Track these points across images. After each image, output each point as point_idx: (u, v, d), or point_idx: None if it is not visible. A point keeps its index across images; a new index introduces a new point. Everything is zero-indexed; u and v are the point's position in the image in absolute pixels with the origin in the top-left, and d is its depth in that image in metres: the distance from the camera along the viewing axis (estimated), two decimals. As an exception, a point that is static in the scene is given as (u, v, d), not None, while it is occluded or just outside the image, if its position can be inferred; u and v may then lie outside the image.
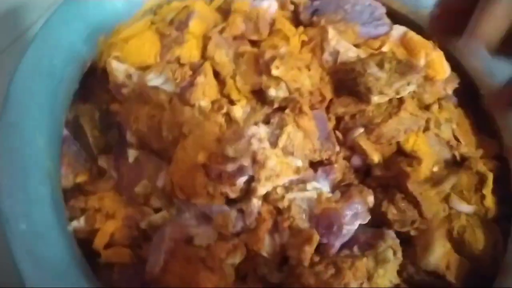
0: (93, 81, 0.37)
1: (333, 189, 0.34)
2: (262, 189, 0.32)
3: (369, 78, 0.34)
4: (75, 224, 0.31)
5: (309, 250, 0.29)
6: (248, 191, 0.32)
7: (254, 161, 0.31)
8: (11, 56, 0.48)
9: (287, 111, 0.33)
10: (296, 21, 0.41)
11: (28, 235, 0.26)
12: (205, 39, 0.39)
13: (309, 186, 0.33)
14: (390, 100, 0.35)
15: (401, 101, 0.35)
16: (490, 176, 0.33)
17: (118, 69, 0.37)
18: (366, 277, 0.29)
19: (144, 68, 0.38)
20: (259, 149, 0.31)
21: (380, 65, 0.34)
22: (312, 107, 0.35)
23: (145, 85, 0.34)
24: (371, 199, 0.33)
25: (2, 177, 0.27)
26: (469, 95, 0.40)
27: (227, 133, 0.33)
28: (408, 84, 0.34)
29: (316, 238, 0.30)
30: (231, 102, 0.36)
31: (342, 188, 0.34)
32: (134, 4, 0.38)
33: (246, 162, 0.31)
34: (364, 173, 0.36)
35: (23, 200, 0.27)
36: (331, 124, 0.35)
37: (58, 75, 0.33)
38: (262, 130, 0.33)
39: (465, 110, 0.39)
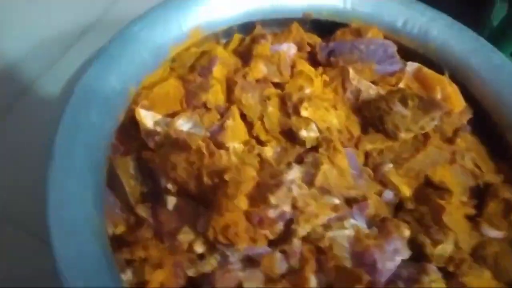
0: (124, 133, 0.38)
1: (368, 225, 0.35)
2: (302, 231, 0.33)
3: (395, 116, 0.35)
4: (123, 277, 0.31)
5: (359, 289, 0.30)
6: (287, 233, 0.33)
7: (294, 206, 0.32)
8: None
9: (321, 150, 0.35)
10: (313, 61, 0.43)
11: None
12: (229, 83, 0.40)
13: (346, 223, 0.34)
14: (415, 136, 0.37)
15: (426, 136, 0.36)
16: (519, 203, 0.35)
17: (146, 116, 0.38)
18: (415, 311, 0.30)
19: (171, 115, 0.39)
20: (299, 195, 0.32)
21: (404, 103, 0.36)
22: (341, 145, 0.36)
23: (181, 131, 0.35)
24: (407, 232, 0.34)
25: (55, 239, 0.27)
26: (480, 122, 0.42)
27: (264, 177, 0.34)
28: (432, 119, 0.36)
29: (366, 277, 0.30)
30: (261, 143, 0.38)
31: (377, 223, 0.35)
32: (160, 54, 0.40)
33: (287, 208, 0.32)
34: (395, 206, 0.37)
35: (78, 259, 0.27)
36: (360, 161, 0.37)
37: (97, 127, 0.33)
38: (297, 170, 0.34)
39: (480, 138, 0.41)
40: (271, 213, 0.31)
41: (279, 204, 0.31)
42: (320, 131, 0.36)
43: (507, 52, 0.48)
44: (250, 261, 0.32)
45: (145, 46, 0.38)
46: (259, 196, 0.32)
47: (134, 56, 0.37)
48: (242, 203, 0.31)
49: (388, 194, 0.36)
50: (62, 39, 0.63)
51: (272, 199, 0.31)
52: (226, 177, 0.32)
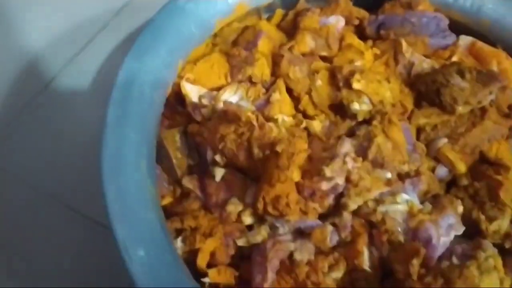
0: (171, 106, 0.38)
1: (421, 201, 0.34)
2: (353, 205, 0.32)
3: (453, 88, 0.34)
4: (175, 245, 0.31)
5: (417, 263, 0.29)
6: (337, 206, 0.33)
7: (348, 180, 0.32)
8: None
9: (375, 122, 0.34)
10: (361, 35, 0.42)
11: (147, 261, 0.26)
12: (275, 57, 0.39)
13: (398, 198, 0.33)
14: (472, 110, 0.35)
15: (483, 110, 0.35)
16: None
17: (192, 90, 0.38)
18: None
19: (216, 89, 0.38)
20: (354, 168, 0.31)
21: (462, 75, 0.35)
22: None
23: (230, 103, 0.35)
24: (460, 209, 0.33)
25: (114, 206, 0.27)
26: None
27: (315, 151, 0.33)
28: (490, 93, 0.35)
29: (423, 251, 0.29)
30: (308, 118, 0.37)
31: (430, 200, 0.34)
32: (207, 29, 0.39)
33: (341, 181, 0.31)
34: (447, 183, 0.36)
35: (136, 227, 0.27)
36: (413, 135, 0.36)
37: (148, 99, 0.33)
38: (348, 144, 0.33)
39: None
40: (324, 186, 0.31)
41: (334, 177, 0.31)
42: (373, 104, 0.35)
43: None
44: (301, 233, 0.32)
45: (192, 19, 0.38)
46: (313, 168, 0.31)
47: (182, 29, 0.37)
48: (295, 174, 0.31)
49: (442, 170, 0.35)
50: (91, 24, 0.63)
51: (327, 171, 0.30)
52: (278, 148, 0.31)
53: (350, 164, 0.31)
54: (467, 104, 0.34)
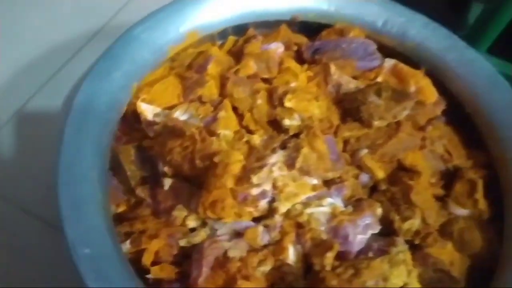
0: (126, 124, 0.42)
1: (345, 204, 0.39)
2: (282, 208, 0.37)
3: (370, 105, 0.39)
4: (123, 247, 0.35)
5: (330, 256, 0.33)
6: (270, 210, 0.37)
7: (275, 186, 0.36)
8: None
9: (302, 135, 0.38)
10: (300, 59, 0.47)
11: (92, 258, 0.30)
12: (222, 79, 0.44)
13: (324, 202, 0.38)
14: (389, 124, 0.40)
15: (398, 124, 0.40)
16: (480, 183, 0.38)
17: (147, 109, 0.43)
18: (382, 278, 0.33)
19: (170, 108, 0.43)
20: (279, 176, 0.36)
21: (378, 94, 0.40)
22: (322, 133, 0.40)
23: (178, 120, 0.39)
24: (379, 211, 0.38)
25: (65, 210, 0.32)
26: (457, 114, 0.45)
27: (250, 161, 0.38)
28: (404, 109, 0.40)
29: (337, 246, 0.34)
30: (250, 132, 0.42)
31: (353, 203, 0.39)
32: (160, 55, 0.44)
33: (268, 187, 0.36)
34: (371, 188, 0.41)
35: (84, 229, 0.31)
36: (339, 147, 0.41)
37: (103, 119, 0.38)
38: (280, 155, 0.38)
39: (454, 128, 0.45)
40: (254, 191, 0.35)
41: (261, 184, 0.35)
42: (302, 120, 0.40)
43: (483, 48, 0.51)
44: (236, 234, 0.36)
45: (146, 47, 0.43)
46: (244, 176, 0.36)
47: (136, 55, 0.42)
48: (229, 182, 0.35)
49: (364, 177, 0.40)
50: (68, 45, 0.68)
51: (254, 179, 0.35)
52: (216, 159, 0.36)
53: (276, 172, 0.36)
54: (383, 119, 0.39)
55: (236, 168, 0.36)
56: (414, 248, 0.36)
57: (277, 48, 0.46)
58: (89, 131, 0.36)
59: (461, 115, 0.45)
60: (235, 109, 0.43)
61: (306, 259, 0.35)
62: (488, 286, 0.34)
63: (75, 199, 0.33)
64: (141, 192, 0.39)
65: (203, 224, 0.37)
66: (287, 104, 0.40)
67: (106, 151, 0.38)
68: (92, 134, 0.37)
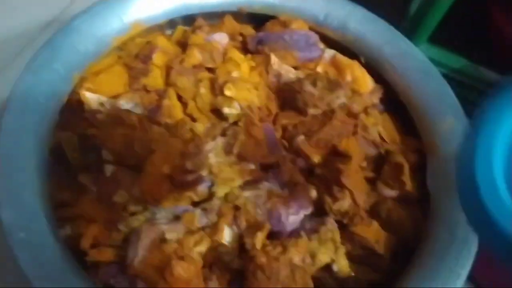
0: (70, 112, 0.43)
1: (282, 188, 0.41)
2: (220, 192, 0.38)
3: (305, 94, 0.41)
4: (62, 232, 0.36)
5: (260, 235, 0.35)
6: (210, 194, 0.39)
7: (211, 172, 0.38)
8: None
9: (240, 123, 0.40)
10: (245, 50, 0.49)
11: (28, 242, 0.31)
12: (168, 69, 0.45)
13: (261, 186, 0.40)
14: (324, 112, 0.42)
15: (332, 112, 0.42)
16: (406, 165, 0.40)
17: (91, 98, 0.43)
18: (310, 255, 0.36)
19: (116, 97, 0.44)
20: (215, 162, 0.38)
21: (314, 84, 0.42)
22: (261, 120, 0.42)
23: (119, 108, 0.40)
24: (314, 193, 0.40)
25: (2, 196, 0.32)
26: (394, 103, 0.48)
27: (190, 148, 0.39)
28: (337, 97, 0.42)
29: (267, 226, 0.36)
30: (194, 120, 0.43)
31: (290, 187, 0.41)
32: (103, 45, 0.45)
33: (204, 173, 0.38)
34: (308, 173, 0.43)
35: (20, 214, 0.32)
36: (278, 134, 0.42)
37: (43, 108, 0.38)
38: (219, 141, 0.40)
39: (391, 116, 0.47)
40: (189, 177, 0.37)
41: (196, 170, 0.37)
42: (242, 108, 0.42)
43: (423, 38, 0.54)
44: (175, 218, 0.38)
45: (87, 37, 0.43)
46: (180, 163, 0.37)
47: (77, 46, 0.43)
48: (165, 168, 0.37)
49: (300, 162, 0.42)
50: (22, 35, 0.67)
51: (188, 165, 0.36)
52: (154, 146, 0.37)
53: (212, 159, 0.37)
54: (317, 107, 0.41)
55: (173, 154, 0.38)
56: (343, 227, 0.39)
57: (221, 38, 0.47)
58: (28, 120, 0.37)
59: (397, 104, 0.48)
60: (180, 98, 0.44)
61: (241, 240, 0.37)
62: (409, 262, 0.37)
63: (12, 186, 0.34)
64: (84, 179, 0.40)
65: (144, 209, 0.38)
66: (227, 93, 0.41)
67: (46, 140, 0.38)
68: (31, 123, 0.37)
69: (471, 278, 0.50)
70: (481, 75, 0.55)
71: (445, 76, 0.47)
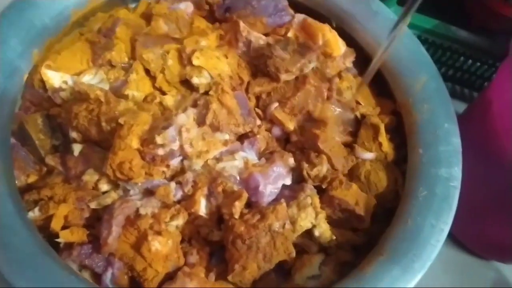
0: (32, 92, 0.41)
1: (259, 157, 0.40)
2: (194, 165, 0.37)
3: (276, 59, 0.40)
4: (31, 214, 0.34)
5: (238, 204, 0.34)
6: (183, 168, 0.38)
7: (183, 145, 0.36)
8: None
9: (211, 92, 0.39)
10: (212, 18, 0.47)
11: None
12: (132, 42, 0.43)
13: (237, 156, 0.39)
14: (297, 78, 0.41)
15: (305, 77, 0.41)
16: (382, 126, 0.40)
17: (53, 77, 0.41)
18: (290, 221, 0.35)
19: (78, 74, 0.42)
20: (188, 135, 0.36)
21: (284, 48, 0.41)
22: (233, 89, 0.40)
23: (81, 83, 0.38)
24: (291, 160, 0.39)
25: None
26: (368, 65, 0.47)
27: (159, 121, 0.38)
28: (309, 61, 0.41)
29: (245, 195, 0.35)
30: (164, 94, 0.41)
31: (267, 156, 0.40)
32: (62, 19, 0.42)
33: (175, 147, 0.36)
34: (285, 141, 0.42)
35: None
36: (252, 103, 0.41)
37: (1, 89, 0.36)
38: (189, 113, 0.38)
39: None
40: (161, 151, 0.35)
41: (166, 144, 0.35)
42: (212, 77, 0.40)
43: (393, 1, 0.53)
44: (149, 193, 0.36)
45: (44, 11, 0.41)
46: (150, 137, 0.36)
47: (34, 21, 0.40)
48: (134, 142, 0.35)
49: (276, 130, 0.41)
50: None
51: (158, 139, 0.35)
52: (120, 120, 0.36)
53: (184, 132, 0.36)
54: (289, 72, 0.40)
55: (142, 128, 0.36)
56: (322, 192, 0.38)
57: (186, 7, 0.45)
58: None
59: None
60: (147, 71, 0.42)
61: (219, 212, 0.36)
62: (389, 222, 0.36)
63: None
64: (51, 160, 0.39)
65: (116, 186, 0.37)
66: (195, 62, 0.40)
67: (7, 121, 0.36)
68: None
69: (451, 237, 0.51)
70: (454, 34, 0.55)
71: (418, 38, 0.46)
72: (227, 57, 0.41)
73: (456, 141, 0.38)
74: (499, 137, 0.40)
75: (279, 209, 0.34)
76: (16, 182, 0.37)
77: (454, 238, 0.51)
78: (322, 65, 0.43)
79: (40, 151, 0.39)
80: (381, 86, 0.46)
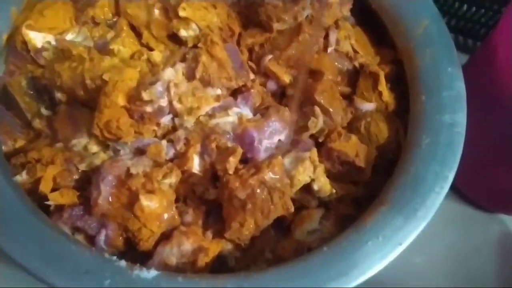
0: (15, 54, 0.39)
1: (254, 113, 0.38)
2: (186, 122, 0.36)
3: (268, 7, 0.38)
4: (18, 178, 0.33)
5: (233, 160, 0.33)
6: (174, 126, 0.36)
7: (172, 101, 0.35)
8: None
9: (200, 44, 0.37)
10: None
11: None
12: (116, -3, 0.41)
13: (230, 112, 0.37)
14: (292, 27, 0.39)
15: (300, 25, 0.39)
16: (382, 74, 0.38)
17: (35, 37, 0.39)
18: (287, 175, 0.34)
19: (62, 34, 0.40)
20: (176, 91, 0.34)
21: (276, -5, 0.38)
22: (223, 42, 0.38)
23: (64, 40, 0.36)
24: (287, 114, 0.38)
25: None
26: (366, 13, 0.45)
27: (147, 78, 0.36)
28: (303, 9, 0.38)
29: (240, 151, 0.34)
30: (151, 50, 0.39)
31: (262, 111, 0.38)
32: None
33: (164, 103, 0.34)
34: (281, 95, 0.40)
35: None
36: (245, 57, 0.39)
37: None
38: (179, 67, 0.36)
39: (365, 28, 0.44)
40: (149, 109, 0.34)
41: (154, 100, 0.34)
42: (200, 29, 0.38)
43: None
44: (140, 152, 0.35)
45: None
46: (136, 93, 0.34)
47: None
48: (120, 99, 0.33)
49: (271, 84, 0.39)
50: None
51: (145, 96, 0.33)
52: (105, 76, 0.34)
53: (172, 88, 0.34)
54: (282, 21, 0.38)
55: (128, 84, 0.34)
56: (321, 146, 0.37)
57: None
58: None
59: (370, 15, 0.44)
60: (133, 27, 0.40)
61: (213, 169, 0.35)
62: (391, 173, 0.35)
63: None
64: (38, 124, 0.37)
65: (106, 147, 0.35)
66: (182, 13, 0.37)
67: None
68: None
69: (455, 190, 0.50)
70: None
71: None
72: (215, 8, 0.39)
73: (460, 86, 0.36)
74: (504, 83, 0.38)
75: (275, 163, 0.32)
76: (3, 147, 0.36)
77: (458, 191, 0.50)
78: (318, 13, 0.41)
79: (26, 114, 0.38)
80: (380, 35, 0.44)
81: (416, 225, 0.30)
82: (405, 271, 0.44)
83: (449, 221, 0.49)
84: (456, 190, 0.50)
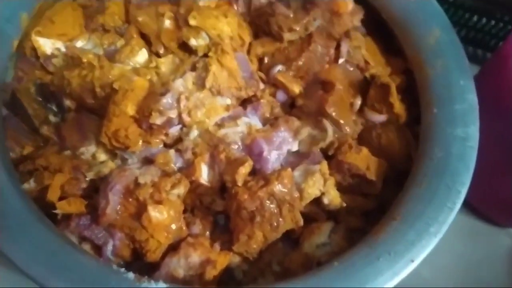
0: (24, 61, 0.39)
1: (263, 123, 0.38)
2: (194, 132, 0.35)
3: (279, 17, 0.37)
4: (26, 186, 0.33)
5: (243, 172, 0.32)
6: (182, 136, 0.36)
7: (181, 113, 0.34)
8: None
9: (210, 53, 0.36)
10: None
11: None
12: (126, 4, 0.41)
13: (239, 122, 0.37)
14: (302, 38, 0.39)
15: (310, 36, 0.38)
16: (393, 86, 0.37)
17: (45, 44, 0.39)
18: (297, 188, 0.33)
19: (70, 41, 0.40)
20: (188, 102, 0.34)
21: (287, 5, 0.38)
22: (233, 51, 0.38)
23: (73, 47, 0.36)
24: (297, 124, 0.37)
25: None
26: (377, 24, 0.44)
27: (156, 87, 0.36)
28: (314, 19, 0.38)
29: (250, 162, 0.33)
30: (160, 58, 0.39)
31: (271, 121, 0.38)
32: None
33: (173, 114, 0.34)
34: (291, 105, 0.40)
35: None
36: (254, 66, 0.39)
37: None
38: (189, 77, 0.36)
39: (375, 38, 0.44)
40: (158, 120, 0.33)
41: (165, 112, 0.33)
42: (211, 38, 0.38)
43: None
44: (148, 161, 0.34)
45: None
46: (146, 105, 0.34)
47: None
48: (129, 108, 0.33)
49: (280, 95, 0.39)
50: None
51: (155, 108, 0.33)
52: (115, 85, 0.34)
53: (183, 98, 0.34)
54: (293, 31, 0.37)
55: (138, 94, 0.34)
56: (331, 158, 0.36)
57: (182, -34, 0.42)
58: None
59: (380, 25, 0.44)
60: (143, 36, 0.40)
61: (222, 180, 0.34)
62: (400, 185, 0.34)
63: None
64: (46, 131, 0.37)
65: (114, 156, 0.35)
66: (192, 22, 0.37)
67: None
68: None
69: (465, 203, 0.49)
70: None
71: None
72: (226, 17, 0.39)
73: (472, 98, 0.35)
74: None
75: (284, 175, 0.32)
76: (11, 154, 0.36)
77: (468, 204, 0.49)
78: (329, 23, 0.40)
79: (34, 121, 0.38)
80: (389, 43, 0.43)
81: (429, 241, 0.30)
82: (414, 283, 0.43)
83: (458, 233, 0.49)
84: (465, 202, 0.49)
